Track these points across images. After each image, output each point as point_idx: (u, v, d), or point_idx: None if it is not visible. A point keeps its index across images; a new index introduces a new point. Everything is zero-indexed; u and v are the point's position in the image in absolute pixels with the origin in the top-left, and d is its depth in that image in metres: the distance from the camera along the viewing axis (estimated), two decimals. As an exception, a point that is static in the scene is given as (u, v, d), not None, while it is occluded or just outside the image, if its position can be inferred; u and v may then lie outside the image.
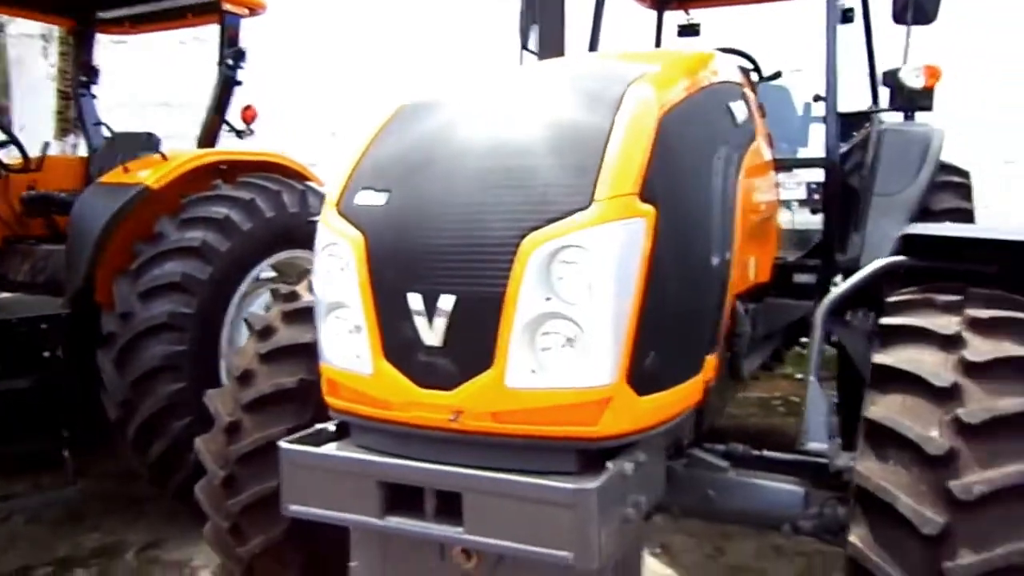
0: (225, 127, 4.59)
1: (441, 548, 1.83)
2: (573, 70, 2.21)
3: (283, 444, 1.89)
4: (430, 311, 1.74)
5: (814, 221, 4.15)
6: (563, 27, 3.73)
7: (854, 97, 4.84)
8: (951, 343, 2.03)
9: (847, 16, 4.79)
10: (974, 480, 1.80)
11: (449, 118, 1.95)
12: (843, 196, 4.08)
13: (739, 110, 2.73)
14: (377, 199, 1.86)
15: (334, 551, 2.20)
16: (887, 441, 1.94)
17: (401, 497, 1.77)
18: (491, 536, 1.65)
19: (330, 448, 1.92)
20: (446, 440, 1.76)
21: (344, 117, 6.86)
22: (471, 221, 1.74)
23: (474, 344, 1.71)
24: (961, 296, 2.22)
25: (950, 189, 4.15)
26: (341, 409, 1.94)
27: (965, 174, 4.35)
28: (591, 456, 1.72)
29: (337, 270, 1.89)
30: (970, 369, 1.96)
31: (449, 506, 1.71)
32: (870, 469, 1.94)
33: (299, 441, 1.92)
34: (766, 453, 2.69)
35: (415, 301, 1.75)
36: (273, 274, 4.28)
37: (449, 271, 1.73)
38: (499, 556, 1.81)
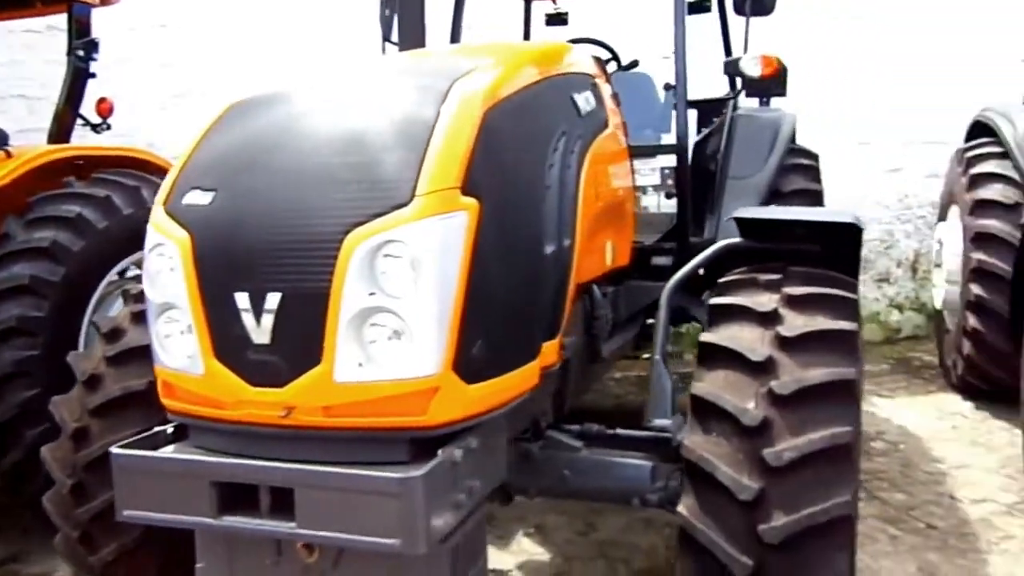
0: (79, 121, 4.40)
1: (278, 544, 1.84)
2: (408, 65, 2.24)
3: (114, 450, 1.87)
4: (257, 309, 1.74)
5: (673, 205, 4.33)
6: (423, 18, 3.73)
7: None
8: (768, 319, 2.18)
9: (702, 6, 4.98)
10: (784, 447, 1.94)
11: (277, 116, 1.95)
12: (700, 180, 4.27)
13: (585, 100, 2.80)
14: (203, 198, 1.85)
15: (190, 554, 2.18)
16: (710, 415, 2.07)
17: (238, 496, 1.77)
18: (322, 529, 1.68)
19: (164, 451, 1.90)
20: (279, 437, 1.78)
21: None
22: (296, 218, 1.75)
23: (302, 341, 1.73)
24: (781, 275, 2.37)
25: (799, 171, 4.37)
26: (177, 411, 1.93)
27: (814, 156, 4.59)
28: (423, 445, 1.76)
29: (166, 271, 1.87)
30: (784, 343, 2.10)
31: (283, 502, 1.72)
32: (695, 442, 2.06)
33: (133, 445, 1.90)
34: (619, 431, 2.80)
35: (242, 300, 1.76)
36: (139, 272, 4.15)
37: (275, 269, 1.74)
38: (340, 549, 1.84)
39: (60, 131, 4.33)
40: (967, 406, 5.38)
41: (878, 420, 5.22)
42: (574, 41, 4.50)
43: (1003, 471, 4.31)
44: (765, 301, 2.24)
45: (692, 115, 4.77)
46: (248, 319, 1.75)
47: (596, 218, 2.89)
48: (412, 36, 3.73)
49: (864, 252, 6.98)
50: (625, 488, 2.55)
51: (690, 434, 2.10)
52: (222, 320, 1.78)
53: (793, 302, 2.22)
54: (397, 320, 1.70)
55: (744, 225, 2.74)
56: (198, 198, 1.86)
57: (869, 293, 7.25)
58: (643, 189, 3.71)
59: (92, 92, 4.44)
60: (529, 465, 2.61)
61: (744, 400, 2.03)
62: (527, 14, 5.26)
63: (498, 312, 1.88)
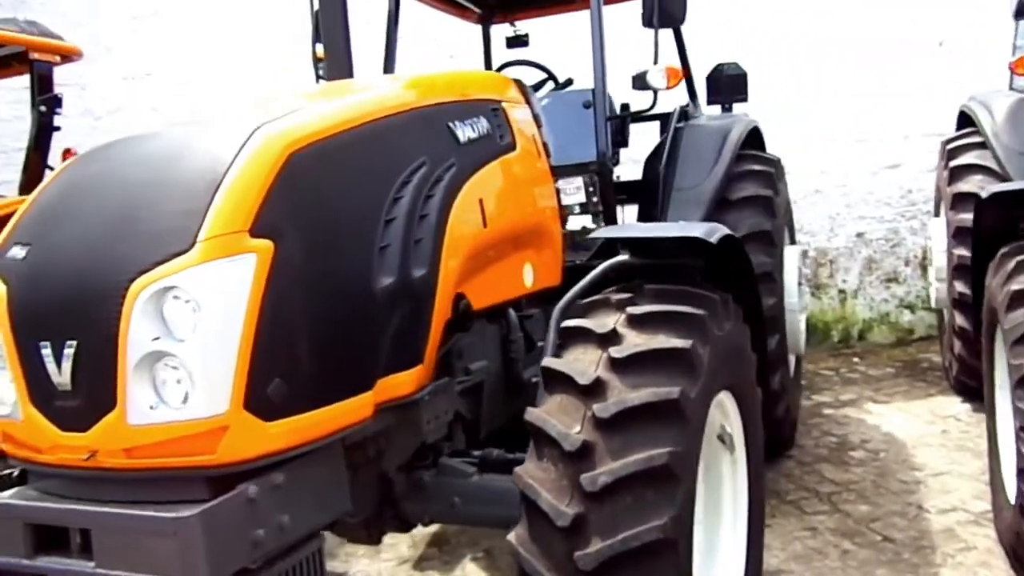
0: (48, 172, 4.62)
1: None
2: (234, 111, 2.29)
3: None
4: (58, 357, 1.82)
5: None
6: (349, 48, 3.79)
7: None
8: (606, 341, 2.15)
9: None
10: (601, 471, 1.92)
11: (91, 169, 2.04)
12: (649, 193, 4.23)
13: (470, 128, 2.82)
14: (20, 252, 1.94)
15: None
16: (541, 440, 2.06)
17: (54, 537, 1.84)
18: (117, 568, 1.73)
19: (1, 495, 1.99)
20: (87, 479, 1.85)
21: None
22: (90, 269, 1.82)
23: (99, 386, 1.79)
24: (632, 294, 2.34)
25: (750, 178, 4.29)
26: (12, 455, 2.01)
27: (771, 161, 4.50)
28: (225, 482, 1.80)
29: None
30: (615, 365, 2.08)
31: (90, 542, 1.79)
32: (526, 469, 2.06)
33: (-27, 489, 1.99)
34: (518, 455, 2.80)
35: (45, 348, 1.83)
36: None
37: (71, 318, 1.81)
38: None
39: (30, 181, 4.55)
40: (964, 408, 5.17)
41: (866, 427, 5.06)
42: (505, 65, 4.54)
43: (983, 477, 4.10)
44: (608, 322, 2.22)
45: (652, 128, 4.73)
46: (51, 367, 1.83)
47: (494, 243, 2.90)
48: (337, 66, 3.81)
49: (869, 252, 6.92)
50: (510, 514, 2.54)
51: (527, 461, 2.09)
52: (33, 368, 1.86)
53: (633, 321, 2.19)
54: (182, 363, 1.74)
55: (623, 243, 2.72)
56: (16, 252, 1.95)
57: (877, 295, 7.05)
58: (570, 208, 3.68)
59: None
60: (422, 493, 2.63)
61: (570, 425, 2.02)
62: (486, 38, 5.30)
63: (303, 349, 1.91)
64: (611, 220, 3.76)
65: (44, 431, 1.87)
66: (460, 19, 5.19)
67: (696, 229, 2.43)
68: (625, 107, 4.80)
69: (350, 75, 3.81)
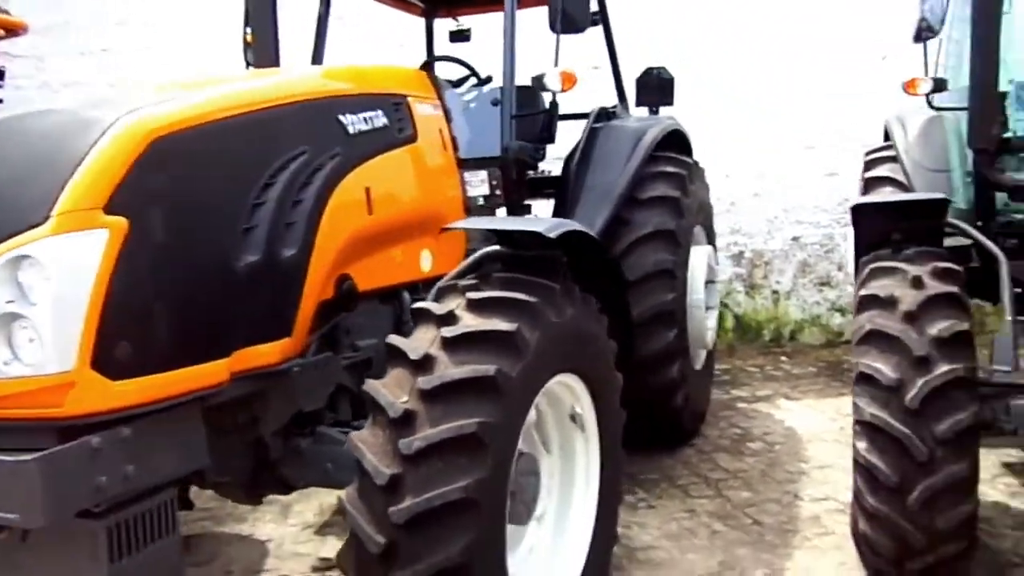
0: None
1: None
2: (108, 98, 2.48)
3: None
4: None
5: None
6: (276, 37, 3.98)
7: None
8: (443, 321, 2.37)
9: (594, 19, 5.14)
10: (416, 436, 2.14)
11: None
12: (564, 190, 4.45)
13: (361, 121, 3.02)
14: None
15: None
16: (375, 409, 2.28)
17: None
18: None
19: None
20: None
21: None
22: None
23: None
24: (479, 281, 2.56)
25: (662, 179, 4.51)
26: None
27: (685, 164, 4.71)
28: (75, 433, 2.01)
29: None
30: (445, 344, 2.30)
31: None
32: (360, 435, 2.28)
33: None
34: None
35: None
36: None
37: None
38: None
39: None
40: (867, 408, 5.41)
41: (772, 421, 5.31)
42: (430, 60, 4.75)
43: (863, 471, 4.36)
44: (451, 305, 2.43)
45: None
46: None
47: (383, 230, 3.12)
48: (264, 56, 4.00)
49: (804, 256, 7.15)
50: None
51: (364, 428, 2.31)
52: None
53: (472, 306, 2.41)
54: (33, 324, 1.96)
55: (493, 233, 2.94)
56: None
57: (810, 297, 7.30)
58: (474, 200, 3.89)
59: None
60: (300, 458, 2.85)
61: (399, 395, 2.24)
62: (429, 32, 5.50)
63: (153, 317, 2.12)
64: (513, 212, 3.97)
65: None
66: (405, 12, 5.39)
67: (540, 224, 2.65)
68: (554, 105, 5.00)
69: (276, 63, 4.02)
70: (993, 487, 4.05)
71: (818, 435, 4.98)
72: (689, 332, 4.66)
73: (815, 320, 7.27)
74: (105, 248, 2.01)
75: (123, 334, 2.04)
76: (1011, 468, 4.28)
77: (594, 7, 5.04)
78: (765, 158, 7.05)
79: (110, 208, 2.04)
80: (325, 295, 2.83)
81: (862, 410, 2.83)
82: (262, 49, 3.94)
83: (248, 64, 4.08)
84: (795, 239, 7.24)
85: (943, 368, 2.71)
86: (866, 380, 2.85)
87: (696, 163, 4.96)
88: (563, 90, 3.61)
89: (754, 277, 7.25)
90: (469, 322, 2.36)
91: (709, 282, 4.97)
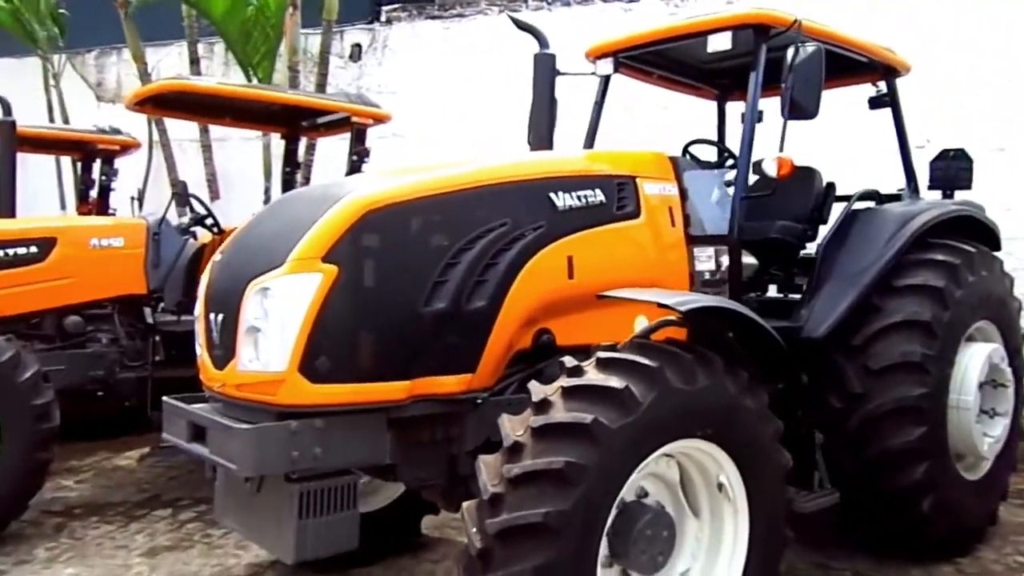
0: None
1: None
2: (351, 183, 3.28)
3: (166, 400, 3.21)
4: (216, 323, 2.98)
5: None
6: (551, 122, 4.58)
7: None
8: (571, 374, 2.75)
9: (882, 101, 5.04)
10: (517, 464, 2.56)
11: (266, 210, 3.25)
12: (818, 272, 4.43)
13: (568, 199, 3.49)
14: (219, 256, 3.16)
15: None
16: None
17: (200, 431, 2.98)
18: (215, 454, 2.81)
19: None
20: (220, 400, 2.98)
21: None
22: (238, 271, 2.95)
23: (229, 343, 2.90)
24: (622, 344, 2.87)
25: (927, 266, 4.26)
26: (202, 381, 3.22)
27: (961, 253, 4.36)
28: (283, 417, 2.78)
29: (200, 297, 3.21)
30: (563, 392, 2.71)
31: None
32: (485, 458, 2.74)
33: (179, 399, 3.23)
34: None
35: (211, 316, 3.01)
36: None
37: (223, 300, 2.97)
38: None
39: None
40: None
41: None
42: (692, 143, 5.02)
43: None
44: (586, 361, 2.81)
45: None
46: (214, 328, 3.00)
47: (584, 294, 3.50)
48: (541, 138, 4.67)
49: None
50: None
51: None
52: (207, 329, 3.06)
53: (600, 364, 2.77)
54: (266, 336, 2.78)
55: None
56: (219, 256, 3.18)
57: None
58: (700, 274, 4.06)
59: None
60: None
61: (517, 429, 2.69)
62: (721, 114, 5.78)
63: (348, 341, 2.82)
64: (735, 291, 4.07)
65: (207, 368, 3.05)
66: (699, 98, 5.77)
67: (674, 297, 2.89)
68: (830, 186, 4.97)
69: (550, 146, 4.66)
70: None
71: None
72: (950, 435, 4.26)
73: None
74: (318, 286, 2.76)
75: (324, 350, 2.77)
76: None
77: (883, 89, 4.98)
78: None
79: (327, 258, 2.80)
80: (522, 344, 3.32)
81: None
82: (538, 132, 4.61)
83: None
84: None
85: None
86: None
87: (983, 251, 4.54)
88: (779, 176, 3.70)
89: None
90: (590, 377, 2.70)
91: (994, 384, 4.49)
